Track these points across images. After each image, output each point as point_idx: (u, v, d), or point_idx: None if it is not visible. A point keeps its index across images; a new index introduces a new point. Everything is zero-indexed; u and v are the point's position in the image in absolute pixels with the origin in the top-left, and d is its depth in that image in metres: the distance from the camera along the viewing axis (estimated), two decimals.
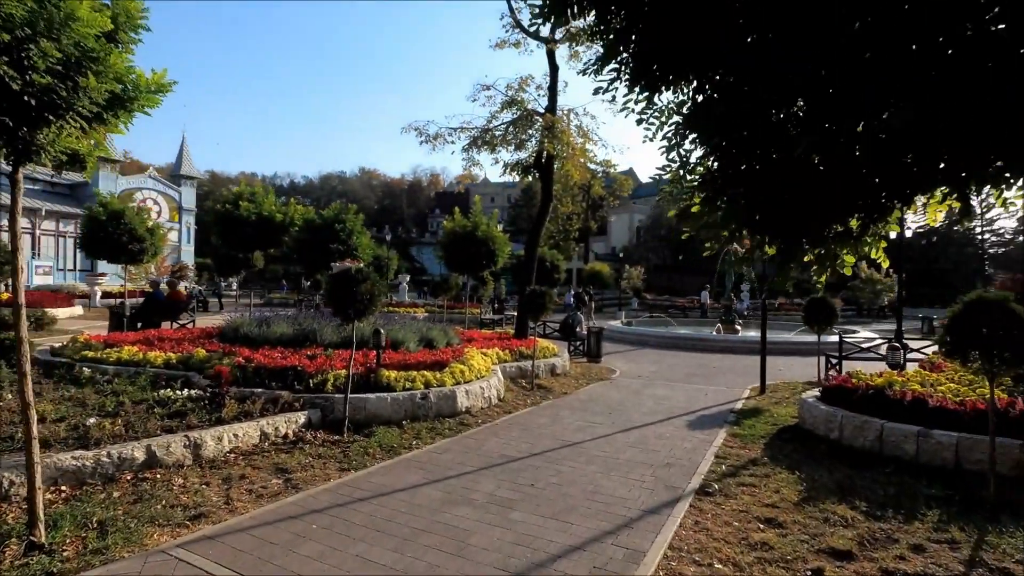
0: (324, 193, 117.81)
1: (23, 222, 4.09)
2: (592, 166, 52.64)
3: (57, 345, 9.58)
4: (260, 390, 6.83)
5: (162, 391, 6.70)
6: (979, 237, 57.03)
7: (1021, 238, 55.51)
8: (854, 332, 19.34)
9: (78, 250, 26.96)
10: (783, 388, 10.73)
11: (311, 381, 6.99)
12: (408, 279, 29.55)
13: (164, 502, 4.32)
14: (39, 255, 35.21)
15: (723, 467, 5.67)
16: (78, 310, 22.67)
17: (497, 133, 12.93)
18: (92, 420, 5.25)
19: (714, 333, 19.53)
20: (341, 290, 5.86)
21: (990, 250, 56.27)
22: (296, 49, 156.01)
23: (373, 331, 7.73)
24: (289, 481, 4.89)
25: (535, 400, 8.92)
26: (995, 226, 56.02)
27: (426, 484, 4.96)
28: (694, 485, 5.11)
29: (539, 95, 13.11)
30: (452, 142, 13.19)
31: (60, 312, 20.25)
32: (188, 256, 42.13)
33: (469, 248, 16.08)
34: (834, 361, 12.03)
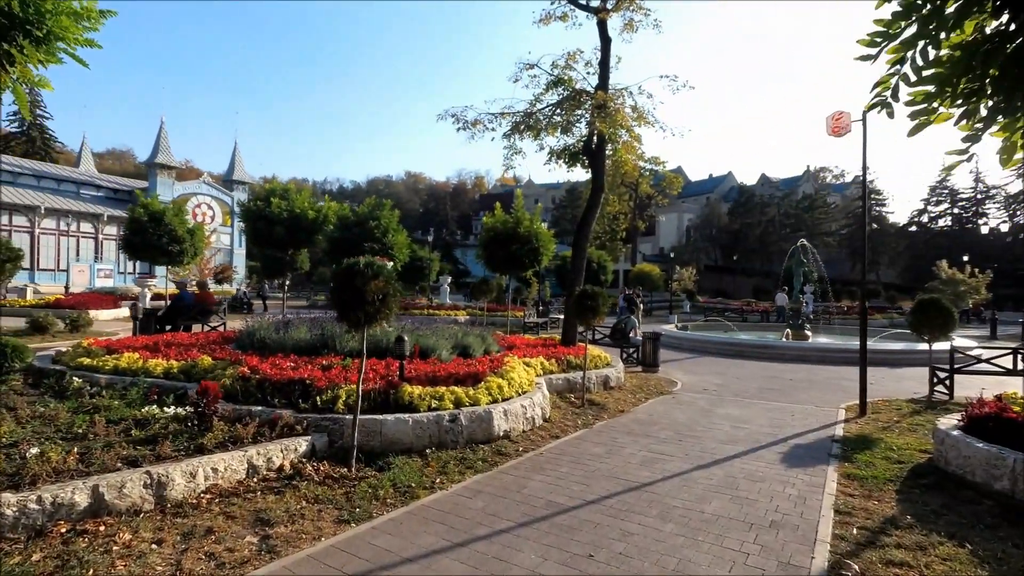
0: (370, 197, 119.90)
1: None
2: (641, 164, 50.77)
3: (64, 349, 8.86)
4: (259, 408, 5.73)
5: (149, 407, 5.70)
6: None
7: None
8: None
9: (120, 252, 27.23)
10: (885, 408, 8.94)
11: (320, 398, 5.84)
12: (449, 280, 28.60)
13: (91, 573, 3.19)
14: (101, 259, 36.26)
15: (853, 531, 4.13)
16: (123, 311, 22.72)
17: (542, 117, 11.59)
18: (35, 450, 4.22)
19: (783, 340, 17.56)
20: (346, 289, 4.68)
21: None
22: (345, 54, 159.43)
23: (396, 338, 6.55)
24: (267, 540, 3.70)
25: (587, 420, 7.53)
26: None
27: (446, 551, 3.67)
28: (821, 563, 3.61)
29: (588, 73, 11.71)
30: (492, 129, 11.93)
31: (103, 314, 20.21)
32: (240, 259, 42.73)
33: (510, 246, 14.84)
34: (943, 375, 10.11)
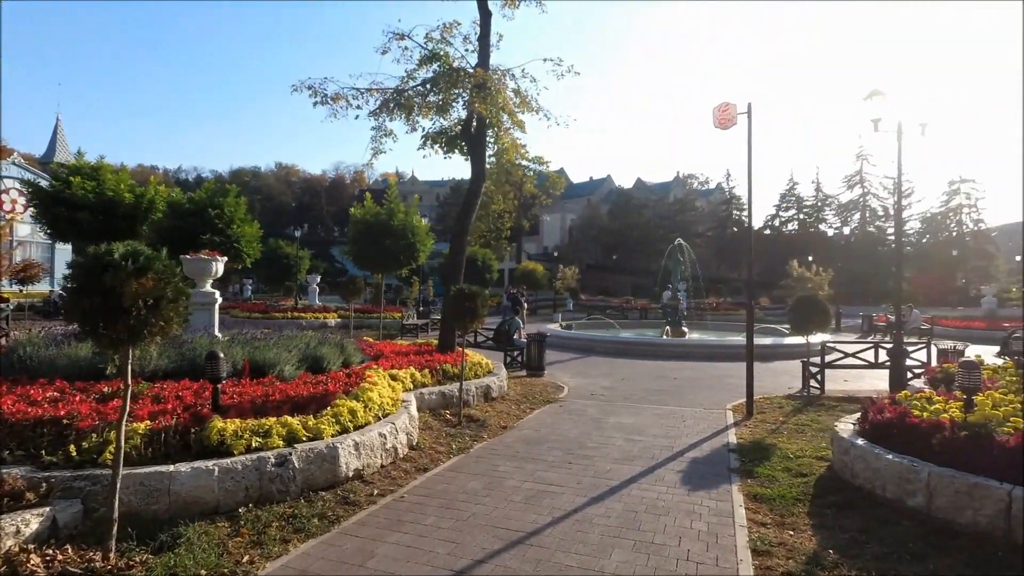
0: (232, 186, 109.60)
1: None
2: (525, 163, 50.51)
3: None
4: None
5: None
6: (891, 237, 60.14)
7: (925, 239, 59.00)
8: (783, 333, 18.18)
9: None
10: (768, 407, 8.78)
11: (79, 445, 4.11)
12: (319, 280, 26.10)
13: None
14: None
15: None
16: None
17: (415, 95, 10.28)
18: None
19: (664, 337, 17.76)
20: (90, 292, 3.09)
21: (905, 249, 59.43)
22: (202, 33, 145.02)
23: (207, 355, 4.93)
24: None
25: (463, 443, 6.38)
26: (906, 227, 59.23)
27: None
28: None
29: (467, 50, 10.58)
30: (358, 107, 10.40)
31: None
32: (65, 255, 36.23)
33: (383, 241, 13.34)
34: (815, 370, 10.32)
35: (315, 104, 10.01)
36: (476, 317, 7.01)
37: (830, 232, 63.43)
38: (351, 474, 4.83)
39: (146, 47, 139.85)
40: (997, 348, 16.16)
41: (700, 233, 65.27)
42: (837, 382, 10.81)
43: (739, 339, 19.18)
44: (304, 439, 4.72)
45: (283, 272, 29.80)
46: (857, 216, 62.29)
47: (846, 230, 62.51)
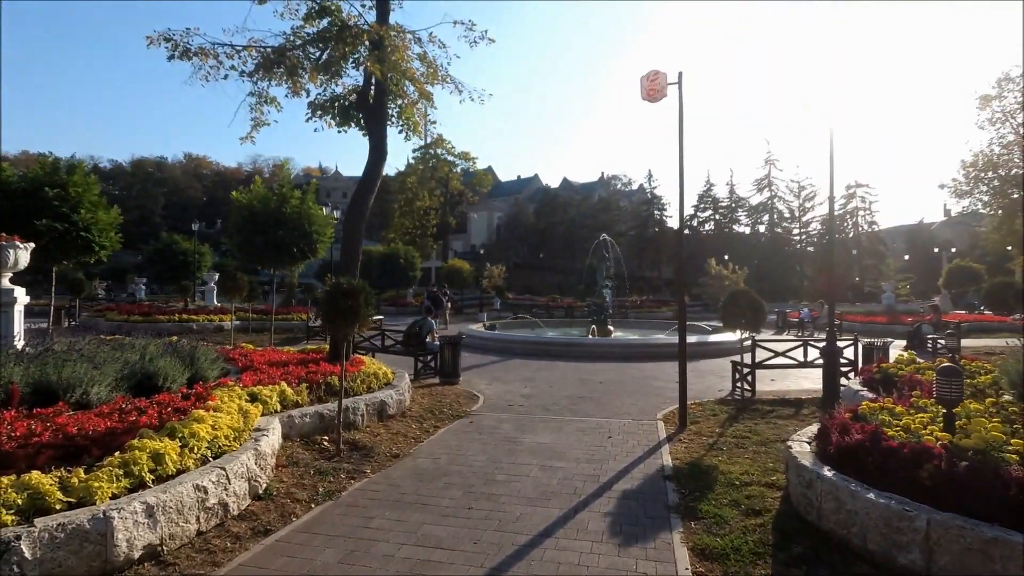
0: (136, 180, 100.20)
1: None
2: (450, 158, 48.90)
3: None
4: None
5: None
6: (796, 238, 63.77)
7: (825, 239, 63.10)
8: (706, 331, 18.03)
9: None
10: (700, 414, 7.92)
11: None
12: (216, 277, 23.31)
13: None
14: None
15: None
16: None
17: (301, 55, 8.61)
18: None
19: (589, 336, 16.93)
20: None
21: (807, 249, 63.16)
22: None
23: None
24: None
25: (335, 483, 4.90)
26: (809, 228, 62.96)
27: None
28: None
29: (365, 6, 9.03)
30: (233, 67, 8.60)
31: None
32: None
33: (274, 232, 11.48)
34: (745, 370, 9.66)
35: (170, 58, 8.13)
36: (358, 317, 5.55)
37: (743, 232, 66.42)
38: (138, 555, 3.27)
39: (31, 18, 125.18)
40: (903, 343, 16.63)
41: (622, 232, 66.24)
42: (764, 382, 10.23)
43: (663, 337, 18.75)
44: (59, 507, 3.13)
45: (178, 270, 26.59)
46: (766, 217, 65.64)
47: (758, 230, 65.61)
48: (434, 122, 9.95)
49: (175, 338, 8.43)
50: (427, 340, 11.64)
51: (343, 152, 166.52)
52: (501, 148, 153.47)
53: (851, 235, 60.63)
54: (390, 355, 12.12)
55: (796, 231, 63.37)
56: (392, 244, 41.79)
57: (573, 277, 58.26)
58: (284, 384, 6.31)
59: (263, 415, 5.58)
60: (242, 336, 18.69)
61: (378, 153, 8.92)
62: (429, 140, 9.91)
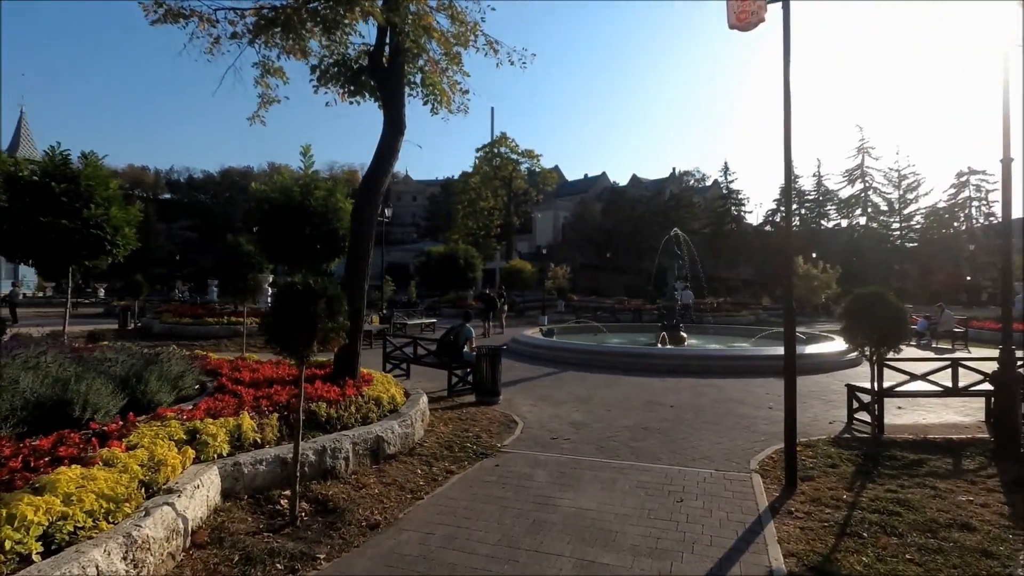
0: (223, 188, 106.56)
1: None
2: (513, 156, 47.42)
3: None
4: None
5: None
6: (895, 232, 57.34)
7: (931, 235, 56.18)
8: (799, 339, 15.19)
9: None
10: (811, 463, 5.75)
11: None
12: (271, 280, 22.80)
13: None
14: None
15: None
16: None
17: (305, 14, 7.19)
18: None
19: (658, 346, 14.72)
20: None
21: (906, 245, 56.62)
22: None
23: None
24: None
25: None
26: (912, 222, 56.43)
27: None
28: None
29: None
30: (236, 33, 7.34)
31: None
32: None
33: (297, 227, 10.25)
34: (866, 397, 7.29)
35: (152, 22, 6.93)
36: (312, 335, 3.91)
37: (832, 227, 60.59)
38: None
39: (136, 43, 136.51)
40: None
41: (696, 230, 62.23)
42: (889, 411, 7.77)
43: (748, 347, 16.19)
44: None
45: (243, 271, 26.64)
46: (859, 211, 59.50)
47: (850, 224, 59.58)
48: (466, 91, 8.26)
49: (163, 348, 7.24)
50: (464, 350, 10.01)
51: (415, 157, 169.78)
52: (568, 147, 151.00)
53: (963, 229, 53.70)
54: (424, 366, 10.60)
55: (896, 225, 56.97)
56: (451, 244, 40.75)
57: (642, 278, 55.04)
58: (246, 416, 4.81)
59: (200, 461, 4.09)
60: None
61: (394, 128, 7.34)
62: (457, 109, 8.43)
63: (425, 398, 7.00)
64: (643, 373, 11.91)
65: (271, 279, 23.12)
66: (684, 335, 16.30)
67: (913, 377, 7.25)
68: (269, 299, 25.41)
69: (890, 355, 6.80)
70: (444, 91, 7.93)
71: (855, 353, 13.78)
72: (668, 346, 15.24)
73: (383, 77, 7.32)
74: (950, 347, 17.26)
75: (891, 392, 7.14)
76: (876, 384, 7.01)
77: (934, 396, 7.38)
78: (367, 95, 7.74)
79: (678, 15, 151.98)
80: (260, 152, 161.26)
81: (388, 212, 21.13)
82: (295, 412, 5.12)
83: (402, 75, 7.43)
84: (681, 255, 17.45)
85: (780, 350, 12.89)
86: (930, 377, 7.33)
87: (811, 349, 13.16)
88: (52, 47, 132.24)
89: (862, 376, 12.25)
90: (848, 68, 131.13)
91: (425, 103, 8.11)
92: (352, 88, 7.58)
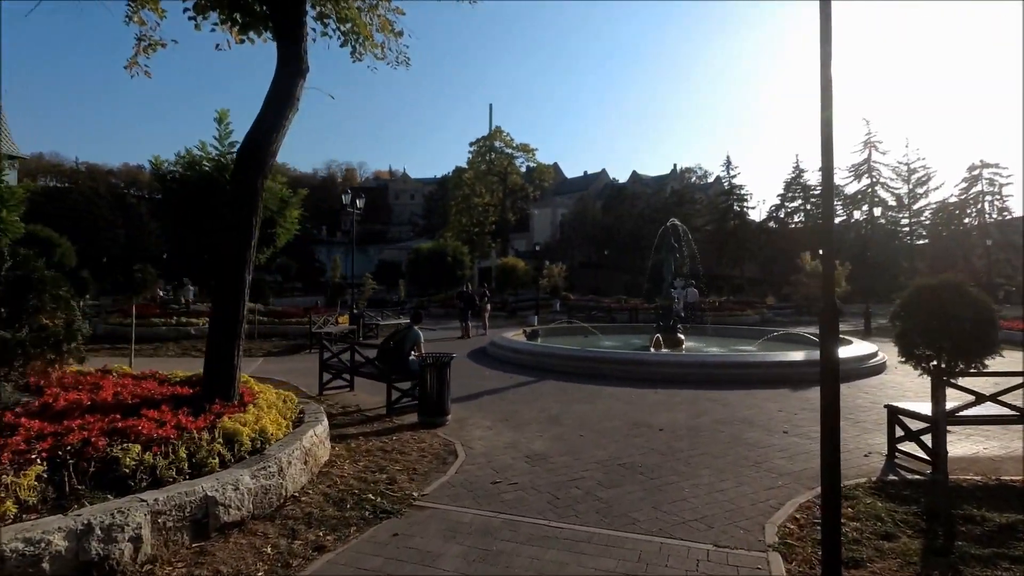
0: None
1: None
2: (508, 151, 45.59)
3: None
4: None
5: None
6: (904, 228, 55.36)
7: (939, 230, 54.17)
8: (810, 341, 13.38)
9: None
10: (855, 524, 3.96)
11: None
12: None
13: None
14: None
15: None
16: None
17: None
18: None
19: (652, 350, 12.89)
20: None
21: (916, 242, 54.63)
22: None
23: None
24: None
25: None
26: (922, 218, 54.44)
27: None
28: None
29: None
30: None
31: None
32: None
33: (209, 212, 8.46)
34: (914, 424, 5.50)
35: None
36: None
37: (838, 224, 58.60)
38: None
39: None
40: None
41: (698, 227, 60.33)
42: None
43: (752, 349, 14.37)
44: None
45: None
46: (865, 207, 57.45)
47: (857, 221, 57.54)
48: (400, 34, 6.47)
49: None
50: (412, 357, 8.23)
51: (414, 155, 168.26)
52: (568, 145, 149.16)
53: (976, 223, 51.68)
54: (363, 377, 8.83)
55: (905, 221, 54.95)
56: (440, 240, 38.95)
57: (643, 276, 53.19)
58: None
59: None
60: (245, 343, 16.19)
61: (291, 67, 5.54)
62: (395, 60, 7.08)
63: (322, 427, 5.19)
64: (633, 383, 10.11)
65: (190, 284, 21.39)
66: (681, 337, 14.50)
67: (980, 398, 5.41)
68: (192, 295, 23.66)
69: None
70: (364, 26, 6.12)
71: (881, 357, 12.03)
72: (663, 350, 13.42)
73: (278, 7, 5.52)
74: None
75: (956, 416, 5.32)
76: (935, 407, 5.20)
77: (1011, 423, 5.56)
78: (264, 33, 5.95)
79: (677, 12, 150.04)
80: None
81: (359, 203, 19.32)
82: (88, 459, 3.36)
83: (303, 8, 5.62)
84: (680, 249, 15.62)
85: (792, 355, 11.01)
86: (1003, 399, 5.49)
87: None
88: (31, 40, 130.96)
89: (889, 385, 10.47)
90: (856, 60, 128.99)
91: (343, 45, 6.32)
92: (241, 19, 5.77)
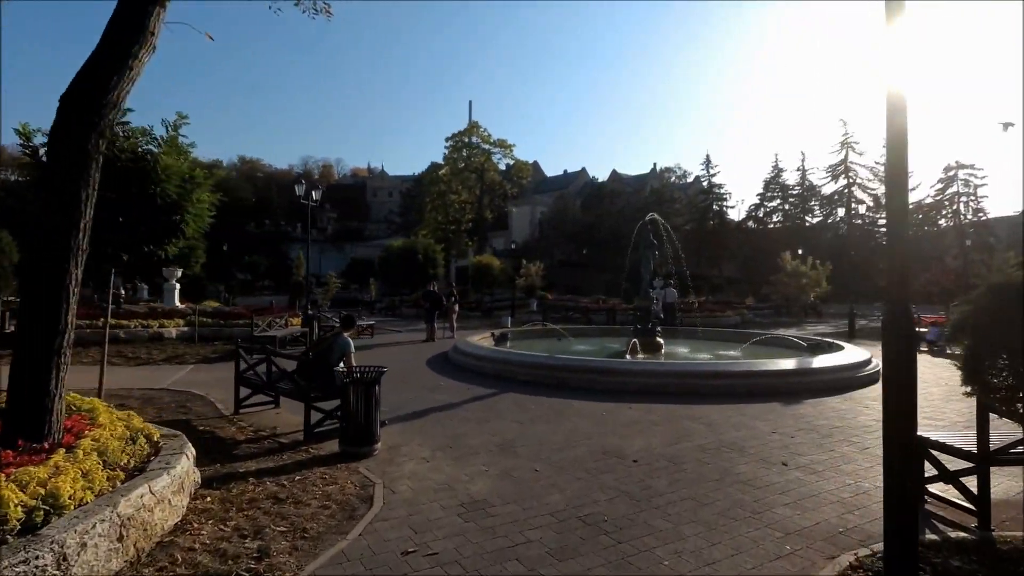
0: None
1: None
2: (485, 146, 44.13)
3: None
4: None
5: None
6: (881, 229, 55.37)
7: (912, 231, 54.25)
8: (798, 346, 12.30)
9: None
10: None
11: None
12: (179, 274, 19.33)
13: None
14: None
15: None
16: None
17: None
18: None
19: (628, 356, 11.67)
20: None
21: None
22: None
23: None
24: None
25: None
26: None
27: None
28: None
29: None
30: None
31: None
32: None
33: (118, 195, 6.94)
34: (952, 462, 4.32)
35: None
36: None
37: (815, 224, 58.38)
38: None
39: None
40: None
41: (678, 226, 59.63)
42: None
43: (736, 354, 13.28)
44: None
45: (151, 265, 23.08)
46: (842, 209, 57.39)
47: (834, 221, 57.45)
48: None
49: None
50: (338, 369, 6.85)
51: (391, 153, 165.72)
52: (549, 145, 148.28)
53: (952, 224, 51.80)
54: (282, 395, 7.43)
55: (882, 221, 54.95)
56: (412, 238, 37.44)
57: (623, 275, 52.23)
58: None
59: None
60: (181, 347, 14.61)
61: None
62: (317, 11, 6.19)
63: (168, 478, 3.78)
64: (605, 395, 8.88)
65: (178, 274, 19.66)
66: (660, 341, 13.35)
67: None
68: (176, 297, 21.84)
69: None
70: None
71: (875, 364, 10.99)
72: (640, 356, 12.23)
73: None
74: None
75: (1001, 457, 4.15)
76: (980, 443, 4.04)
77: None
78: None
79: (657, 12, 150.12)
80: (232, 146, 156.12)
81: (315, 196, 17.80)
82: None
83: None
84: (660, 246, 14.46)
85: (781, 363, 9.80)
86: None
87: (821, 362, 10.25)
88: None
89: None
90: (834, 60, 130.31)
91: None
92: None
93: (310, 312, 17.32)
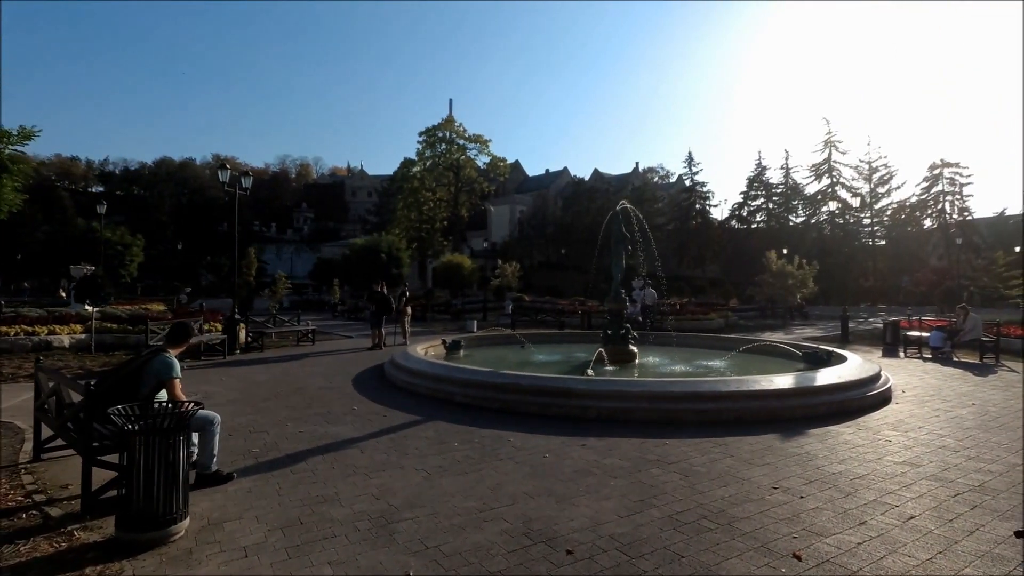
0: (159, 180, 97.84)
1: None
2: (461, 142, 41.84)
3: None
4: None
5: None
6: (866, 229, 54.38)
7: (895, 232, 53.34)
8: (792, 355, 10.43)
9: None
10: None
11: None
12: (88, 271, 16.95)
13: None
14: None
15: None
16: None
17: None
18: None
19: (588, 372, 9.64)
20: None
21: (878, 243, 53.64)
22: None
23: None
24: None
25: None
26: (884, 218, 53.48)
27: None
28: None
29: None
30: None
31: None
32: None
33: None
34: None
35: None
36: None
37: (799, 223, 57.21)
38: None
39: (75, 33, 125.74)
40: None
41: (660, 226, 58.22)
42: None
43: (720, 364, 11.39)
44: None
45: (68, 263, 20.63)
46: (825, 208, 56.32)
47: (818, 221, 56.33)
48: None
49: None
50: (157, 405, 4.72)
51: (371, 152, 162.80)
52: (531, 145, 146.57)
53: (936, 224, 50.92)
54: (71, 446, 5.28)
55: (867, 220, 53.94)
56: (375, 236, 35.19)
57: (602, 276, 50.42)
58: None
59: None
60: (68, 358, 12.31)
61: None
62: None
63: None
64: (558, 425, 6.87)
65: (89, 269, 17.27)
66: (633, 349, 11.39)
67: None
68: (69, 292, 19.47)
69: None
70: None
71: (885, 379, 9.14)
72: (608, 368, 10.26)
73: None
74: (977, 360, 12.88)
75: None
76: None
77: None
78: None
79: (642, 13, 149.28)
80: (207, 144, 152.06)
81: (245, 183, 15.61)
82: None
83: None
84: (632, 239, 12.50)
85: (776, 380, 7.56)
86: None
87: (824, 378, 8.34)
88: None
89: (912, 426, 6.36)
90: (816, 58, 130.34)
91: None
92: None
93: (235, 315, 15.06)
